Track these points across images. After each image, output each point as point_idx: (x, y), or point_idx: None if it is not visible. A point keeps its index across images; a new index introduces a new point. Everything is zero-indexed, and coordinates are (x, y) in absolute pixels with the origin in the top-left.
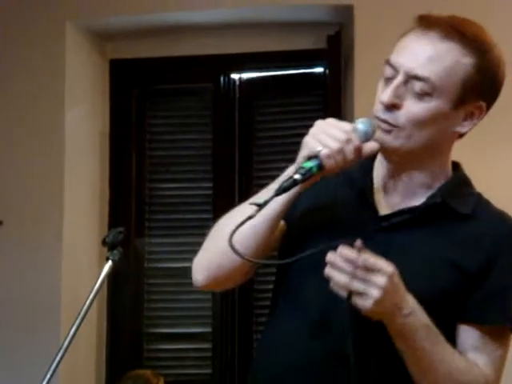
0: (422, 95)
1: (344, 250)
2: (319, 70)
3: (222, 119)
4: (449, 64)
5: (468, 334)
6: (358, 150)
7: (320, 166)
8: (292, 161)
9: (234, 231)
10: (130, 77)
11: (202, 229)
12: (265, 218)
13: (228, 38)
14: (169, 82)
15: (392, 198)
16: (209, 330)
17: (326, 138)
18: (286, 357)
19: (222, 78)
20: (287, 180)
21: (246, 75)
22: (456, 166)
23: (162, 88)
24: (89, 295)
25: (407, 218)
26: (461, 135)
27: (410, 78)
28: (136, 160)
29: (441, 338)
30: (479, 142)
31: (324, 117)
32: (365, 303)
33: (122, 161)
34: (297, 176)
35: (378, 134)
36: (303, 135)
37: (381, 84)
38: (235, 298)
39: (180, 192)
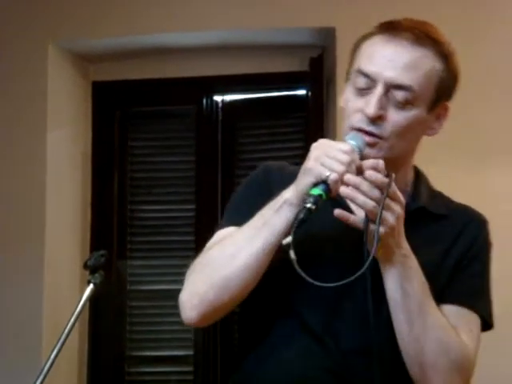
0: (404, 104)
1: (379, 176)
2: (302, 92)
3: (204, 141)
4: (425, 71)
5: (445, 314)
6: (360, 169)
7: (328, 191)
8: None
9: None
10: (112, 99)
11: (184, 251)
12: (269, 245)
13: (211, 60)
14: (151, 104)
15: None
16: (191, 352)
17: (330, 162)
18: (281, 373)
19: (204, 100)
20: (301, 210)
21: (228, 97)
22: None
23: (144, 110)
24: (70, 318)
25: None
26: None
27: (392, 87)
28: (118, 182)
29: (430, 293)
30: (470, 159)
31: (306, 139)
32: (380, 228)
33: (104, 183)
34: (309, 205)
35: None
36: (286, 157)
37: (351, 94)
38: (217, 321)
39: (162, 214)
